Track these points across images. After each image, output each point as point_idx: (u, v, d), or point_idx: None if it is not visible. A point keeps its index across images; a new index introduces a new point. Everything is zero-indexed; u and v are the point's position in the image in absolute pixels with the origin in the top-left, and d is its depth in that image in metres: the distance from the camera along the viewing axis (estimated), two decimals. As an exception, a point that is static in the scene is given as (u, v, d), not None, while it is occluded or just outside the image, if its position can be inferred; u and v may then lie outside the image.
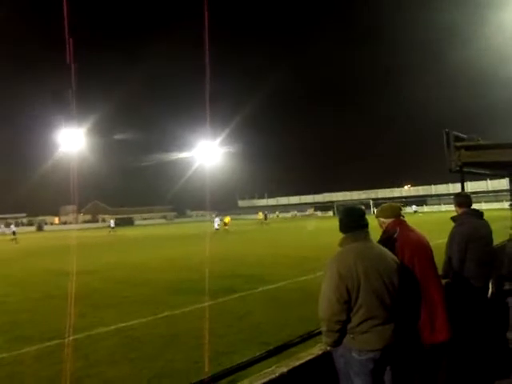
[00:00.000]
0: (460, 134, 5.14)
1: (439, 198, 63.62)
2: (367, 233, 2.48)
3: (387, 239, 2.84)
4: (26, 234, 49.96)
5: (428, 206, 66.27)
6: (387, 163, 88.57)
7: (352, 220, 2.49)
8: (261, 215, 47.99)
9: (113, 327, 6.37)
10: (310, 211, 70.66)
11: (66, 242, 28.80)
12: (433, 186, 69.75)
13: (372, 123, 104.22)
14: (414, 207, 57.28)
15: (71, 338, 5.79)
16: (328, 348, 2.44)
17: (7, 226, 56.90)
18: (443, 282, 3.66)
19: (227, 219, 35.27)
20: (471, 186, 50.83)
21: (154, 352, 5.19)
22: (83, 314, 7.10)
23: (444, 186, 63.54)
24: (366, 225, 2.49)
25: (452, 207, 4.22)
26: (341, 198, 74.58)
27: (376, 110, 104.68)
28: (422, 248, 2.84)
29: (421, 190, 72.36)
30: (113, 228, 42.33)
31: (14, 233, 33.09)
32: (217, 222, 33.16)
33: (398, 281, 2.39)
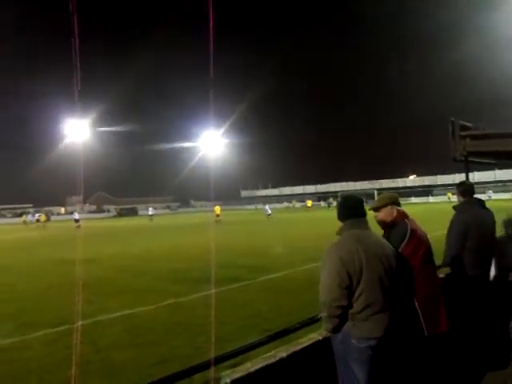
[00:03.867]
0: (466, 123, 5.10)
1: (445, 188, 63.22)
2: (366, 221, 2.46)
3: (397, 230, 2.78)
4: (34, 224, 50.33)
5: (434, 197, 65.89)
6: (392, 153, 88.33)
7: (351, 208, 2.46)
8: (310, 202, 53.92)
9: (118, 314, 6.47)
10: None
11: (74, 232, 29.12)
12: (438, 177, 69.35)
13: (377, 113, 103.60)
14: (490, 192, 50.94)
15: (78, 324, 5.89)
16: (328, 334, 2.44)
17: (16, 216, 57.60)
18: (444, 270, 3.70)
19: (218, 209, 34.53)
20: (478, 176, 50.47)
21: (158, 338, 5.29)
22: (89, 302, 7.21)
23: (450, 176, 63.15)
24: (364, 213, 2.47)
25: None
26: (345, 188, 74.44)
27: (381, 100, 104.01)
28: (424, 240, 2.86)
29: (426, 180, 72.01)
30: (151, 216, 42.77)
31: (76, 220, 33.48)
32: (267, 208, 35.22)
33: (396, 268, 2.40)
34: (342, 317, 2.26)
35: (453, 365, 3.36)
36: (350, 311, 2.26)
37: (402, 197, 59.51)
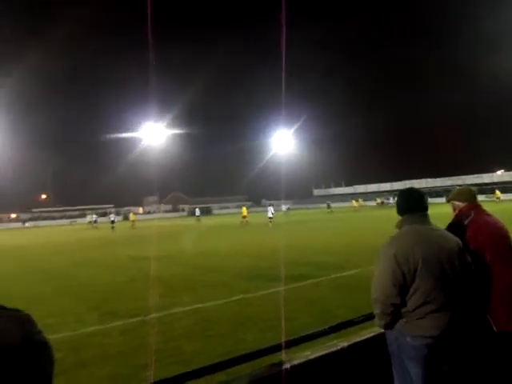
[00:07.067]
0: None
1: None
2: (427, 215, 2.37)
3: (460, 222, 2.72)
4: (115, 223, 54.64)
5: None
6: (479, 147, 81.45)
7: (411, 201, 2.39)
8: (354, 203, 54.32)
9: (189, 308, 6.72)
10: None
11: (150, 231, 31.05)
12: (530, 171, 62.54)
13: (459, 104, 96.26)
14: None
15: (152, 315, 6.26)
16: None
17: (100, 216, 62.94)
18: None
19: (244, 210, 32.43)
20: None
21: (227, 331, 5.41)
22: (163, 296, 7.60)
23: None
24: (425, 207, 2.39)
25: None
26: (423, 185, 70.06)
27: (464, 91, 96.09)
28: (499, 233, 2.69)
29: (516, 175, 65.23)
30: (198, 216, 44.84)
31: (112, 222, 35.25)
32: (270, 210, 30.22)
33: (459, 265, 2.26)
34: (394, 314, 2.22)
35: None
36: (404, 309, 2.21)
37: (486, 193, 54.62)
